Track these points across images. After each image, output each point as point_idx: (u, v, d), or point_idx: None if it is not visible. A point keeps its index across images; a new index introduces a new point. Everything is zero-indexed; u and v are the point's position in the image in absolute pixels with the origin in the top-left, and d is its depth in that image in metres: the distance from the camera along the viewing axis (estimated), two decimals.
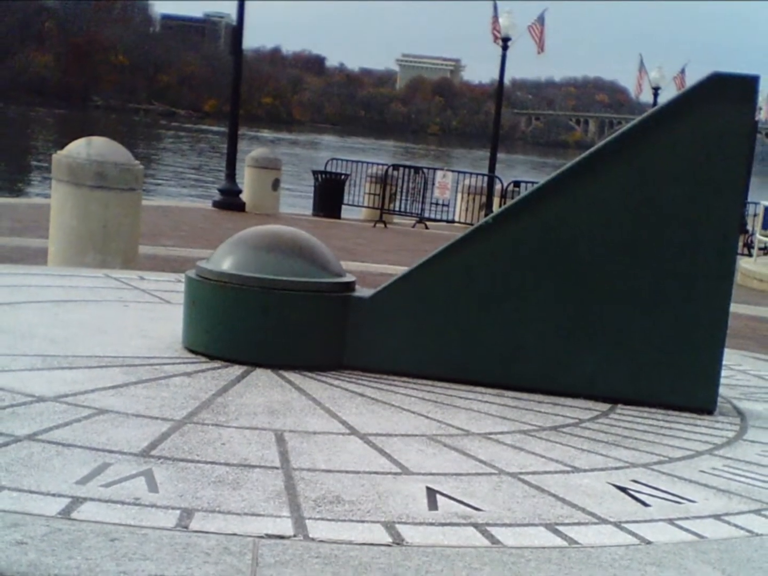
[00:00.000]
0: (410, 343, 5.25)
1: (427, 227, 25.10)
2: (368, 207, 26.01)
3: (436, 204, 26.05)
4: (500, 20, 32.45)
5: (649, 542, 3.23)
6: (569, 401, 5.09)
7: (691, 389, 5.16)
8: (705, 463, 4.25)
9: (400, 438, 4.15)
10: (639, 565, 3.00)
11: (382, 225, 24.27)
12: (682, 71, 47.60)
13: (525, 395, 5.10)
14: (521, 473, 3.83)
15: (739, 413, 5.29)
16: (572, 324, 5.19)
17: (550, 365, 5.20)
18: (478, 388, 5.12)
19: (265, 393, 4.63)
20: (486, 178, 28.11)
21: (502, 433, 4.40)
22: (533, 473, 3.86)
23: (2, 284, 6.80)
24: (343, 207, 25.42)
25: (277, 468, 3.60)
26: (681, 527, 3.40)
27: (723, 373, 5.27)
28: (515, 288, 5.21)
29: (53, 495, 3.10)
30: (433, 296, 5.23)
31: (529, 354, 5.20)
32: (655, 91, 41.18)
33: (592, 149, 5.28)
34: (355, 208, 26.22)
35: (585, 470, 3.97)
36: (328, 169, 26.33)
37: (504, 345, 5.20)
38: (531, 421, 4.66)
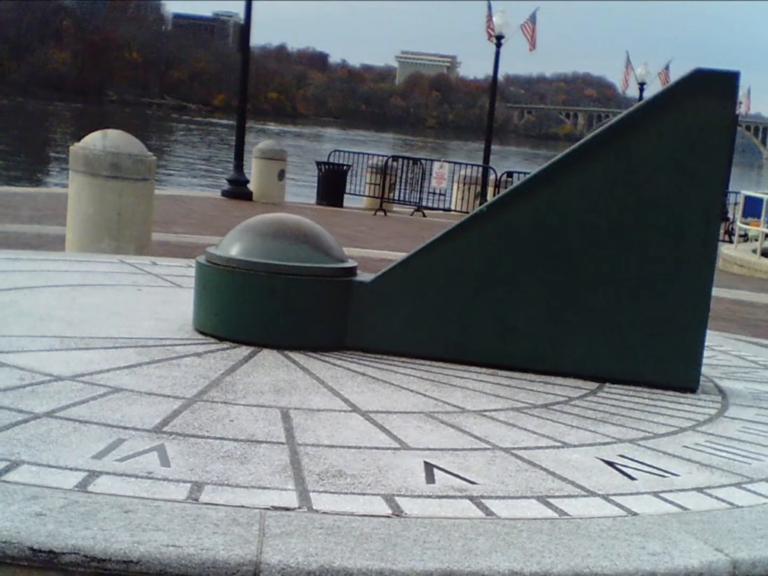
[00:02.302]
0: (409, 325, 5.24)
1: (424, 215, 25.07)
2: (369, 196, 25.97)
3: (434, 193, 26.03)
4: (494, 19, 32.37)
5: (635, 514, 3.23)
6: (559, 380, 5.09)
7: (675, 369, 5.15)
8: (688, 439, 4.25)
9: (399, 415, 4.15)
10: (626, 535, 3.00)
11: (382, 213, 24.24)
12: (667, 67, 47.50)
13: (517, 374, 5.09)
14: (514, 448, 3.83)
15: (721, 391, 5.28)
16: (562, 306, 5.18)
17: (541, 346, 5.20)
18: (473, 368, 5.11)
19: (271, 372, 4.62)
20: (480, 169, 28.07)
21: (496, 410, 4.40)
22: (525, 448, 3.85)
23: (22, 269, 6.79)
24: (345, 196, 25.39)
25: (282, 443, 3.60)
26: (665, 500, 3.40)
27: (705, 353, 5.26)
28: (508, 272, 5.19)
29: (70, 469, 3.10)
30: (431, 280, 5.22)
31: (521, 335, 5.19)
32: (641, 86, 41.09)
33: (582, 141, 5.27)
34: (357, 197, 26.18)
35: (574, 445, 3.97)
36: (331, 160, 26.30)
37: (497, 327, 5.19)
38: (523, 399, 4.65)
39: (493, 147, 33.95)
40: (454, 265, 5.20)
